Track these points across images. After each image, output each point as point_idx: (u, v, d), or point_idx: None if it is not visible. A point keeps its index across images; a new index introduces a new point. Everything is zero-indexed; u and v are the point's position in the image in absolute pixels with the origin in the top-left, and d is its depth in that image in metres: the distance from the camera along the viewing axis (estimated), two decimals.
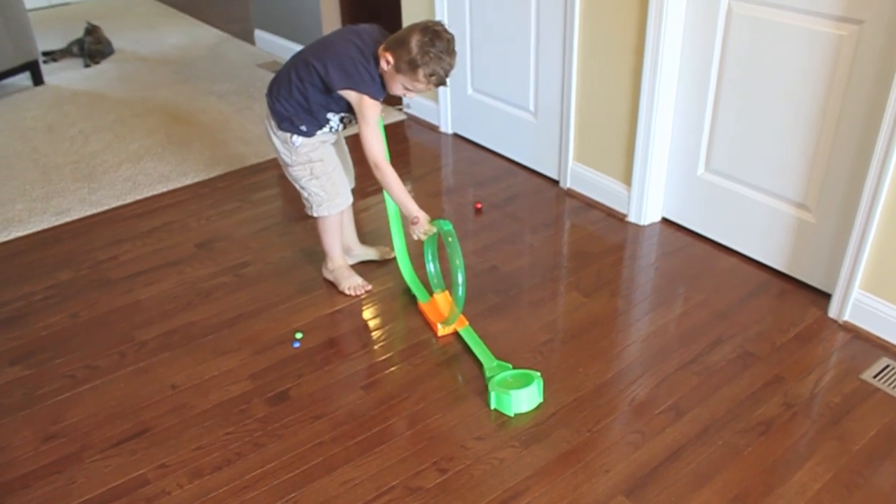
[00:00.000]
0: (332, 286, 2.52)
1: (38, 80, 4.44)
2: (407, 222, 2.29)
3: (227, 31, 5.45)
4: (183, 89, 4.34)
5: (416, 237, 2.27)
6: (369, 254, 2.66)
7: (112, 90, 4.36)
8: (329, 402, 2.04)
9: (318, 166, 2.31)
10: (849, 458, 1.84)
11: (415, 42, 2.04)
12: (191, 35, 5.43)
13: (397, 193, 2.23)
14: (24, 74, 4.40)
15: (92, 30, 4.92)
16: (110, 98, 4.23)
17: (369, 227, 2.85)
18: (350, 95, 2.15)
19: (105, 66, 4.80)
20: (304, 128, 2.25)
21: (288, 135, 2.27)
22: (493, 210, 3.00)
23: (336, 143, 2.43)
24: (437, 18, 3.43)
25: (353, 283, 2.48)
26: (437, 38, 2.04)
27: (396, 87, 2.14)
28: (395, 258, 2.58)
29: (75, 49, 4.90)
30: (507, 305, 2.42)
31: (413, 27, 2.09)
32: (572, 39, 2.83)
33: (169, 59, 4.90)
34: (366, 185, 2.97)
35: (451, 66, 2.09)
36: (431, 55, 2.03)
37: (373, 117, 2.16)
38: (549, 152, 3.18)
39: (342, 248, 2.53)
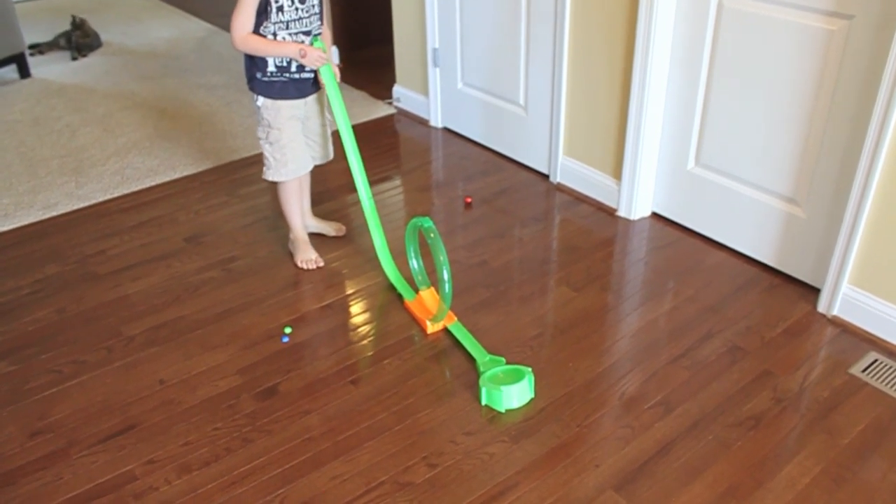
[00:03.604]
0: (321, 282, 2.51)
1: (24, 72, 4.41)
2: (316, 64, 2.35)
3: (215, 24, 5.41)
4: (171, 83, 4.31)
5: (314, 66, 2.33)
6: (322, 228, 2.76)
7: (100, 83, 4.33)
8: (318, 398, 2.03)
9: (274, 133, 2.40)
10: (837, 453, 1.84)
11: None
12: (179, 28, 5.39)
13: (270, 50, 2.29)
14: (11, 67, 4.37)
15: (79, 23, 4.88)
16: (98, 91, 4.20)
17: (358, 221, 2.83)
18: None
19: (93, 59, 4.76)
20: (258, 74, 2.33)
21: (254, 95, 2.39)
22: (483, 204, 2.99)
23: (307, 120, 2.48)
24: (427, 13, 3.42)
25: (306, 258, 2.59)
26: None
27: None
28: (344, 235, 2.77)
29: (62, 42, 4.86)
30: (496, 300, 2.42)
31: None
32: (563, 33, 2.82)
33: (157, 53, 4.86)
34: None
35: None
36: None
37: (244, 2, 2.20)
38: (539, 146, 3.17)
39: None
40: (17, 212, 2.98)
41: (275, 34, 2.26)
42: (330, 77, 2.38)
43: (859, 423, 1.93)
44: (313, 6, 2.30)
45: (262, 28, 2.24)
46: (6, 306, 2.43)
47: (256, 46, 2.26)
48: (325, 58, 2.33)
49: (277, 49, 2.28)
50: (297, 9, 2.25)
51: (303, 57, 2.28)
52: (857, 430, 1.91)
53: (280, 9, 2.22)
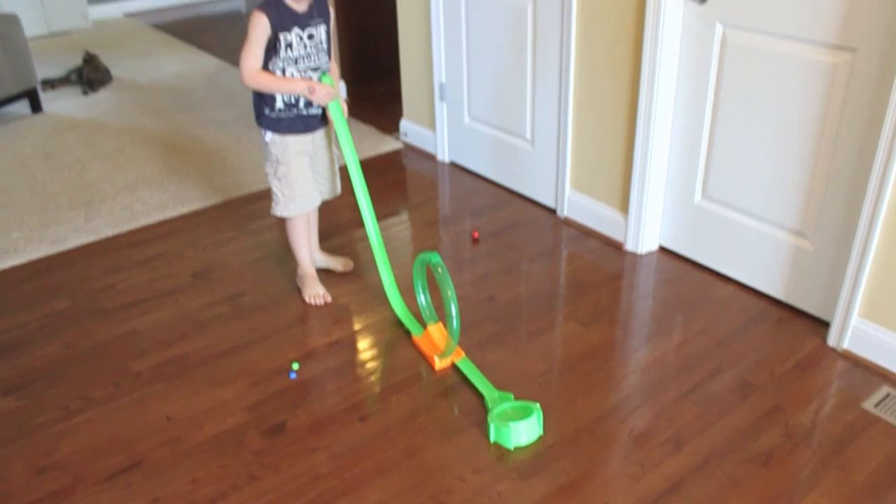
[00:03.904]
0: (329, 318, 2.51)
1: (36, 107, 4.46)
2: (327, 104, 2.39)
3: (226, 59, 5.48)
4: (181, 118, 4.36)
5: (323, 103, 2.35)
6: (330, 263, 2.77)
7: (110, 118, 4.37)
8: (326, 434, 2.02)
9: (282, 169, 2.42)
10: (852, 490, 1.82)
11: None
12: (189, 63, 5.46)
13: (278, 86, 2.31)
14: (23, 102, 4.42)
15: (90, 59, 4.95)
16: (108, 126, 4.24)
17: (365, 256, 2.84)
18: (249, 20, 2.23)
19: (103, 94, 4.82)
20: (266, 110, 2.36)
21: (262, 130, 2.40)
22: (491, 239, 2.99)
23: (314, 156, 2.49)
24: (434, 48, 3.46)
25: (313, 293, 2.59)
26: None
27: None
28: (352, 271, 2.76)
29: (74, 77, 4.93)
30: (504, 335, 2.41)
31: None
32: (568, 67, 2.85)
33: (167, 88, 4.92)
34: None
35: None
36: None
37: (252, 32, 2.22)
38: (546, 181, 3.18)
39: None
40: (27, 246, 2.99)
41: (283, 70, 2.28)
42: (338, 113, 2.40)
43: (873, 458, 1.91)
44: (321, 42, 2.33)
45: (270, 64, 2.27)
46: (14, 341, 2.43)
47: (265, 83, 2.28)
48: (333, 94, 2.35)
49: (286, 86, 2.30)
50: (305, 45, 2.28)
51: (311, 93, 2.30)
52: (871, 467, 1.88)
53: (289, 45, 2.25)
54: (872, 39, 2.03)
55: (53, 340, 2.43)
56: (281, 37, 2.23)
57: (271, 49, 2.25)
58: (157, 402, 2.15)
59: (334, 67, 2.45)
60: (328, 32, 2.36)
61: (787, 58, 2.24)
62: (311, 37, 2.28)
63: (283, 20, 2.21)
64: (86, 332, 2.47)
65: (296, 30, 2.24)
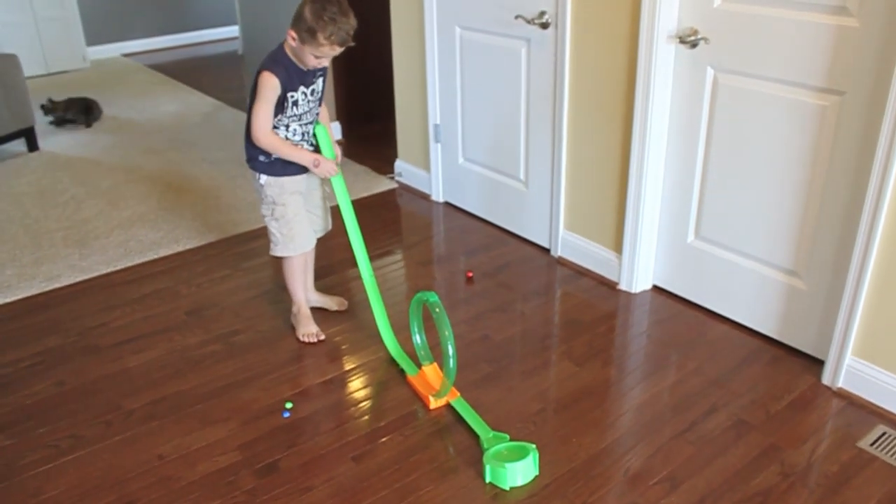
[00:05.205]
0: (323, 356, 2.50)
1: (33, 146, 4.48)
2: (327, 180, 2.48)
3: (221, 99, 5.52)
4: (176, 157, 4.38)
5: (323, 176, 2.44)
6: (325, 302, 2.77)
7: (106, 157, 4.39)
8: (319, 474, 2.00)
9: (279, 209, 2.43)
10: None
11: (308, 11, 2.15)
12: (185, 103, 5.50)
13: (287, 153, 2.34)
14: (20, 140, 4.44)
15: (51, 106, 4.94)
16: (104, 164, 4.26)
17: (360, 295, 2.83)
18: (259, 79, 2.26)
19: (99, 132, 4.84)
20: (262, 157, 2.38)
21: (256, 174, 2.42)
22: (485, 279, 3.00)
23: (308, 194, 2.52)
24: (429, 89, 3.50)
25: (307, 331, 2.59)
26: (328, 4, 2.15)
27: (308, 58, 2.23)
28: (346, 310, 2.76)
29: (71, 115, 4.94)
30: (499, 375, 2.40)
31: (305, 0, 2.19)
32: (562, 109, 2.88)
33: (163, 127, 4.95)
34: None
35: (350, 25, 2.19)
36: (325, 19, 2.14)
37: (264, 92, 2.24)
38: (539, 221, 3.20)
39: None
40: (20, 283, 2.98)
41: (287, 126, 2.33)
42: (341, 186, 2.47)
43: (871, 498, 1.90)
44: (318, 92, 2.38)
45: (275, 120, 2.31)
46: (5, 379, 2.41)
47: (276, 146, 2.32)
48: (335, 169, 2.41)
49: (295, 154, 2.35)
50: (308, 101, 2.33)
51: (316, 167, 2.37)
52: None
53: (295, 103, 2.29)
54: (859, 83, 2.07)
55: (45, 378, 2.41)
56: (289, 96, 2.27)
57: (278, 106, 2.28)
58: (149, 441, 2.13)
59: (324, 111, 2.49)
60: (325, 82, 2.40)
61: (777, 100, 2.28)
62: (312, 91, 2.33)
63: (291, 80, 2.26)
64: (78, 370, 2.45)
65: (301, 88, 2.30)
